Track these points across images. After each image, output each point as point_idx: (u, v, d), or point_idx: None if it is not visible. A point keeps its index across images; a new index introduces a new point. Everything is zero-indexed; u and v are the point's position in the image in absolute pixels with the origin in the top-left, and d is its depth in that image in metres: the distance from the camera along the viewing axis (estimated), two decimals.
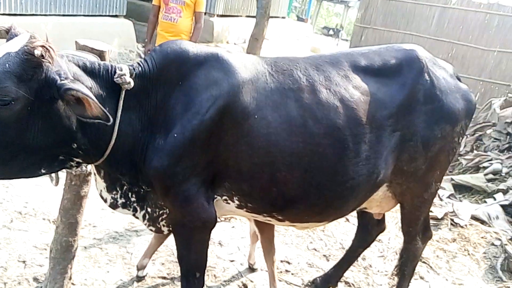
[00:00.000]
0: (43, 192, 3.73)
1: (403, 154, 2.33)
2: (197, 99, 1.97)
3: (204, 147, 1.99)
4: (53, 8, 7.47)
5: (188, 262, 2.26)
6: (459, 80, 2.58)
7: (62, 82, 1.68)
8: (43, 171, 1.86)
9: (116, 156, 1.96)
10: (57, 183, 2.30)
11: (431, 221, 4.33)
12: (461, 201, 4.98)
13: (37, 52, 1.62)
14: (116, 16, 8.87)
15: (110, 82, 1.89)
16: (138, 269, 2.96)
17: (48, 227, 3.34)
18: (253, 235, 3.14)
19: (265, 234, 2.86)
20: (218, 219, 3.80)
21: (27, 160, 1.77)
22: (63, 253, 2.61)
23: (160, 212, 2.24)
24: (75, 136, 1.83)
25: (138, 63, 2.02)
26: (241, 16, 12.72)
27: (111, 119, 1.73)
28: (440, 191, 5.07)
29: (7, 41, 1.71)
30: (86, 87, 1.76)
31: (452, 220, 4.42)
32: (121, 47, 8.54)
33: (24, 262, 2.93)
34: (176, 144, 1.95)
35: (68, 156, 1.90)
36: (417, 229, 2.70)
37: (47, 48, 1.65)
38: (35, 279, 2.80)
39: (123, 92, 1.89)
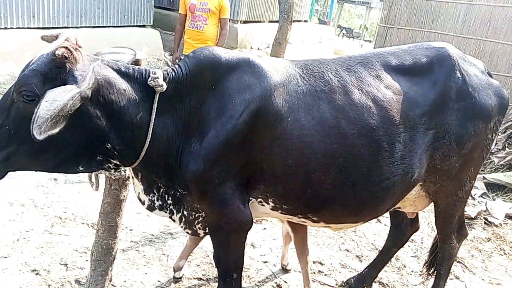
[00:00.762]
0: (81, 198, 3.88)
1: (436, 153, 2.33)
2: (230, 103, 2.02)
3: (238, 151, 2.04)
4: (84, 21, 7.74)
5: (225, 263, 2.32)
6: (491, 76, 2.56)
7: (69, 82, 1.73)
8: (81, 168, 1.96)
9: (151, 159, 2.04)
10: (97, 188, 2.41)
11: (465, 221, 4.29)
12: (494, 200, 4.88)
13: (58, 52, 1.72)
14: (143, 26, 9.11)
15: (144, 86, 1.97)
16: (175, 271, 3.04)
17: (87, 231, 3.46)
18: (286, 236, 3.17)
19: (299, 234, 2.89)
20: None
21: (60, 156, 1.86)
22: (104, 255, 2.71)
23: (196, 215, 2.30)
24: (107, 136, 1.91)
25: (172, 69, 2.09)
26: (264, 21, 12.81)
27: (38, 138, 1.62)
28: (472, 190, 4.99)
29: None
30: (120, 89, 1.89)
31: (485, 219, 4.35)
32: (149, 56, 8.75)
33: (66, 265, 3.05)
34: (211, 149, 2.00)
35: (105, 157, 1.98)
36: (452, 228, 2.68)
37: (70, 50, 1.74)
38: (77, 281, 2.91)
39: (157, 95, 1.97)
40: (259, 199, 2.23)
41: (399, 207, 2.62)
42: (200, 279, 3.10)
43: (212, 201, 2.11)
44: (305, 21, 15.74)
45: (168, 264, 3.20)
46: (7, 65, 6.41)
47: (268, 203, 2.24)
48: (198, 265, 3.24)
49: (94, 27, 7.96)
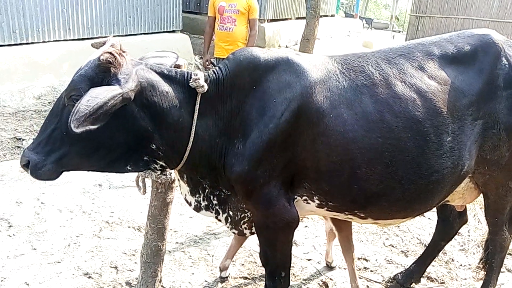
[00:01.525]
0: (126, 202, 3.99)
1: (486, 143, 2.27)
2: (271, 103, 2.03)
3: (282, 150, 2.05)
4: (117, 29, 7.95)
5: (273, 262, 2.33)
6: None
7: (113, 84, 1.81)
8: (129, 168, 2.04)
9: (195, 160, 2.08)
10: (144, 191, 2.48)
11: None
12: None
13: (103, 58, 1.80)
14: (173, 31, 9.28)
15: (187, 87, 2.02)
16: (221, 270, 3.09)
17: (134, 234, 3.56)
18: (330, 233, 3.16)
19: (343, 231, 2.88)
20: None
21: (109, 156, 1.95)
22: (153, 257, 2.78)
23: (242, 216, 2.33)
24: (152, 136, 1.97)
25: (213, 71, 2.13)
26: (290, 18, 12.77)
27: (76, 131, 1.69)
28: None
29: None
30: (163, 91, 1.96)
31: None
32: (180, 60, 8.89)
33: (116, 268, 3.15)
34: (255, 149, 2.02)
35: (151, 157, 2.04)
36: (504, 219, 2.60)
37: (114, 55, 1.82)
38: (128, 283, 3.00)
39: (199, 96, 2.01)
40: (304, 197, 2.24)
41: (448, 200, 2.56)
42: (246, 278, 3.13)
43: (258, 201, 2.13)
44: (332, 15, 15.59)
45: (213, 264, 3.25)
46: (47, 77, 6.67)
47: (314, 201, 2.24)
48: (243, 264, 3.27)
49: (126, 35, 8.16)
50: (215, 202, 2.31)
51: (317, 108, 2.06)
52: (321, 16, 11.99)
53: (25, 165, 1.92)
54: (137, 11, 8.33)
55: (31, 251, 3.23)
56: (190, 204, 2.36)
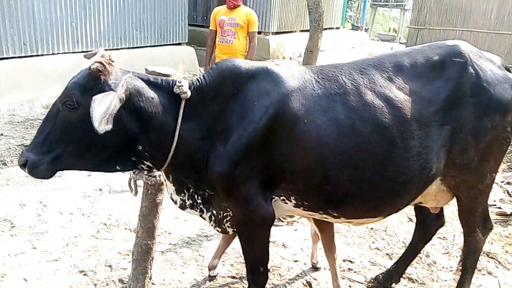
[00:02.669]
0: (124, 206, 4.16)
1: (454, 147, 2.40)
2: (251, 109, 2.20)
3: (259, 152, 2.21)
4: (124, 42, 8.24)
5: (252, 257, 2.49)
6: (509, 70, 2.60)
7: (106, 91, 2.00)
8: (117, 167, 2.22)
9: (179, 161, 2.25)
10: (136, 193, 2.65)
11: (500, 218, 4.25)
12: None
13: (94, 67, 2.00)
14: (179, 44, 9.56)
15: (171, 93, 2.20)
16: (210, 269, 3.23)
17: (130, 235, 3.72)
18: (314, 235, 3.30)
19: (325, 233, 3.01)
20: (282, 223, 4.01)
21: (99, 156, 2.13)
22: (143, 255, 2.94)
23: (225, 214, 2.48)
24: (138, 138, 2.15)
25: (197, 79, 2.31)
26: (295, 31, 12.99)
27: (100, 131, 1.88)
28: (508, 187, 4.90)
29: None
30: (149, 97, 2.14)
31: None
32: (185, 72, 9.15)
33: (110, 266, 3.31)
34: (234, 151, 2.19)
35: (139, 158, 2.23)
36: (476, 221, 2.71)
37: (103, 64, 2.02)
38: (120, 280, 3.16)
39: (183, 102, 2.19)
40: (282, 197, 2.39)
41: (421, 202, 2.69)
42: (234, 277, 3.27)
43: (237, 199, 2.29)
44: (337, 28, 15.79)
45: (203, 264, 3.39)
46: (55, 88, 6.93)
47: (291, 201, 2.39)
48: (232, 265, 3.41)
49: (133, 47, 8.45)
50: (199, 201, 2.46)
51: (293, 114, 2.22)
52: (326, 29, 12.18)
53: (23, 165, 2.11)
54: (144, 25, 8.62)
55: (31, 249, 3.41)
56: (175, 203, 2.52)
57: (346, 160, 2.24)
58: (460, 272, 2.92)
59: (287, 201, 2.40)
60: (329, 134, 2.22)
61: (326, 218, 2.49)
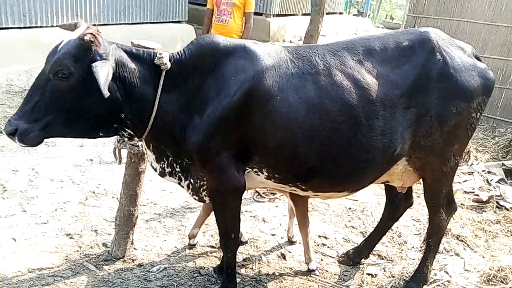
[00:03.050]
0: (113, 176, 4.31)
1: (419, 130, 2.53)
2: (227, 84, 2.33)
3: (233, 125, 2.35)
4: (123, 18, 8.29)
5: (224, 224, 2.65)
6: (479, 59, 2.71)
7: (98, 60, 2.12)
8: (101, 134, 2.36)
9: (158, 131, 2.39)
10: (120, 162, 2.81)
11: (476, 204, 4.40)
12: (511, 186, 4.90)
13: (87, 38, 2.12)
14: (178, 22, 9.58)
15: (152, 65, 2.33)
16: (190, 238, 3.40)
17: (117, 204, 3.83)
18: (290, 211, 3.45)
19: (299, 207, 3.17)
20: (264, 200, 4.17)
21: (88, 123, 2.26)
22: (125, 220, 3.11)
23: (201, 183, 2.62)
24: (122, 107, 2.29)
25: (178, 53, 2.43)
26: (297, 14, 12.99)
27: (105, 95, 2.05)
28: (489, 176, 5.04)
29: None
30: (131, 67, 2.27)
31: (498, 203, 4.41)
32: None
33: (95, 231, 3.48)
34: (209, 122, 2.32)
35: (120, 125, 2.36)
36: (440, 202, 2.85)
37: (94, 35, 2.14)
38: (104, 244, 3.33)
39: (163, 73, 2.32)
40: (255, 169, 2.53)
41: (388, 181, 2.83)
42: (213, 247, 3.44)
43: (211, 169, 2.44)
44: (340, 13, 15.76)
45: (185, 233, 3.56)
46: None
47: (263, 173, 2.53)
48: (212, 235, 3.58)
49: (132, 23, 8.49)
50: (177, 169, 2.60)
51: (267, 91, 2.35)
52: (328, 13, 12.15)
53: (12, 133, 2.17)
54: (144, 1, 8.65)
55: (21, 212, 3.58)
56: (155, 170, 2.66)
57: (313, 136, 2.37)
58: (423, 250, 3.08)
59: (259, 173, 2.54)
60: (299, 111, 2.35)
61: (295, 190, 2.63)
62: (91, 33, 2.15)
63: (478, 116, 2.67)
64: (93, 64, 2.08)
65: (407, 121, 2.48)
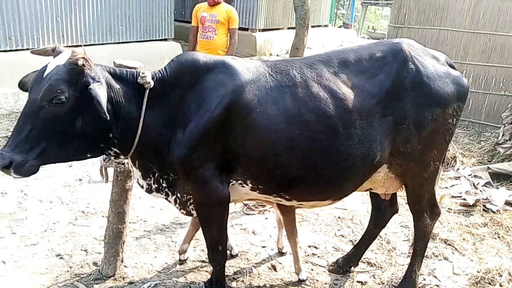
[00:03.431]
0: (102, 195, 4.33)
1: (398, 137, 2.60)
2: (207, 98, 2.39)
3: (215, 139, 2.41)
4: (109, 37, 8.36)
5: (211, 237, 2.68)
6: (453, 67, 2.81)
7: (92, 83, 2.17)
8: (89, 155, 2.39)
9: (144, 147, 2.43)
10: (107, 180, 2.84)
11: (463, 208, 4.47)
12: (498, 188, 4.99)
13: (80, 62, 2.17)
14: (165, 39, 9.68)
15: (136, 84, 2.39)
16: (180, 254, 3.42)
17: (106, 222, 3.89)
18: (279, 222, 3.49)
19: (287, 217, 3.21)
20: (254, 212, 4.20)
21: (78, 145, 2.29)
22: (114, 238, 3.12)
23: (188, 197, 2.66)
24: (110, 127, 2.33)
25: (159, 71, 2.50)
26: (282, 28, 13.18)
27: (107, 117, 2.13)
28: (475, 180, 5.12)
29: (54, 57, 2.26)
30: (115, 88, 2.32)
31: (484, 206, 4.49)
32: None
33: (86, 250, 3.49)
34: (191, 136, 2.38)
35: (107, 145, 2.40)
36: (423, 207, 2.91)
37: (86, 59, 2.20)
38: (94, 263, 3.33)
39: (147, 92, 2.38)
40: (239, 181, 2.58)
41: (371, 188, 2.89)
42: (203, 261, 3.45)
43: (195, 181, 2.48)
44: (326, 25, 16.01)
45: (175, 249, 3.57)
46: None
47: (247, 184, 2.58)
48: (202, 250, 3.59)
49: (118, 43, 8.58)
50: (164, 184, 2.64)
51: (246, 104, 2.41)
52: (314, 26, 12.35)
53: (6, 167, 2.14)
54: (129, 20, 8.75)
55: (11, 235, 3.57)
56: (142, 187, 2.70)
57: (293, 147, 2.43)
58: (411, 256, 3.13)
59: (244, 184, 2.59)
60: (279, 122, 2.42)
61: (280, 201, 2.68)
62: (83, 58, 2.20)
63: (454, 122, 2.75)
64: (91, 87, 2.14)
65: (385, 129, 2.55)
